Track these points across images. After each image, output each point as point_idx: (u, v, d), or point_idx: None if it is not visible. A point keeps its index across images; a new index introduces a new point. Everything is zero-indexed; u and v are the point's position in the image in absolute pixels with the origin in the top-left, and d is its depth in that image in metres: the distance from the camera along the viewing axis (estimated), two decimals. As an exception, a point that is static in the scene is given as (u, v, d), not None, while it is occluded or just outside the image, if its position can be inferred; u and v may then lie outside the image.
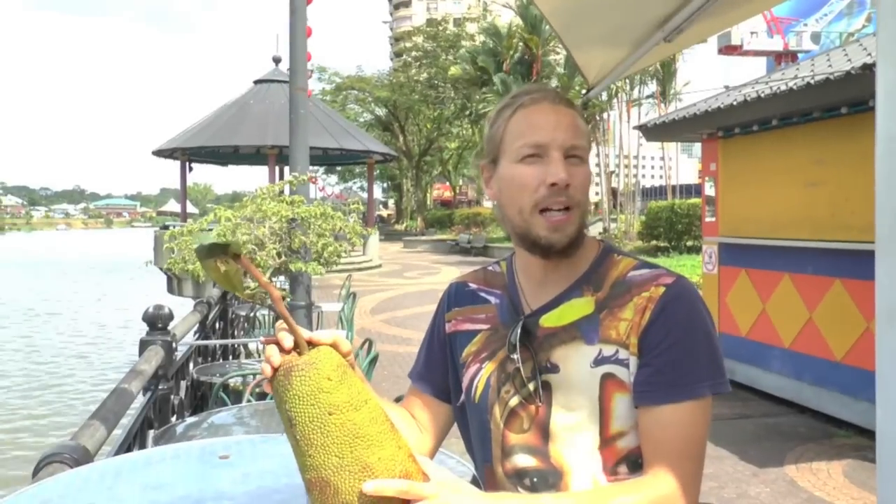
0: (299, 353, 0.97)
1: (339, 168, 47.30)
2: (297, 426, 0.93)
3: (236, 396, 4.10)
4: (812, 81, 5.67)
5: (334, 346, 1.02)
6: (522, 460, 1.23)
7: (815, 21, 34.39)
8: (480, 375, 1.31)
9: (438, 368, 1.41)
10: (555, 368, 1.22)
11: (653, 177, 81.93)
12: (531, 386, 1.23)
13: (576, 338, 1.21)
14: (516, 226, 1.23)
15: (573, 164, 1.20)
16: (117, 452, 2.53)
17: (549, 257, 1.23)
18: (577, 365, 1.20)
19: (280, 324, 1.02)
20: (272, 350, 0.98)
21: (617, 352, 1.17)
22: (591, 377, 1.18)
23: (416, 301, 14.52)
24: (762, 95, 6.27)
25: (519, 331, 1.25)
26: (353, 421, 0.93)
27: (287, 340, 0.98)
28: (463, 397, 1.35)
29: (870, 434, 5.23)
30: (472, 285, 1.41)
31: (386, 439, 0.94)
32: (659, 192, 43.75)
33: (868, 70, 5.02)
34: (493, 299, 1.36)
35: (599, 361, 1.18)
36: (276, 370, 0.96)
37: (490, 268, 1.43)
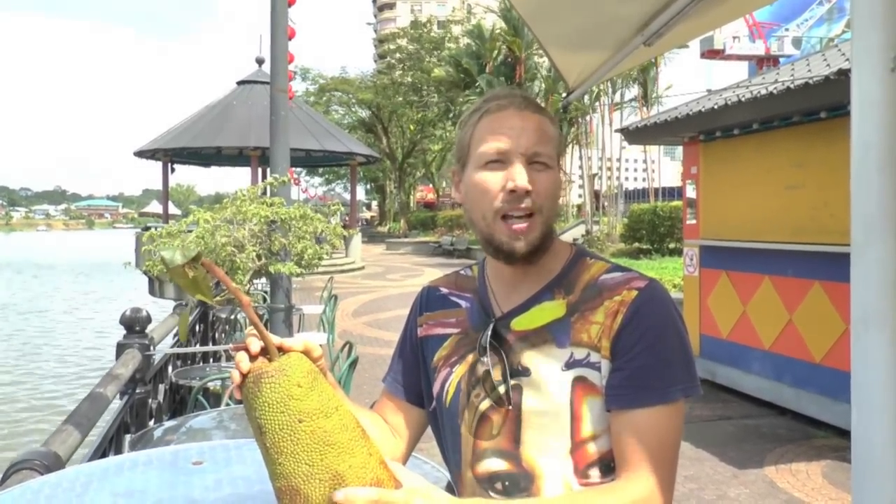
0: (269, 360, 0.96)
1: (320, 170, 47.17)
2: (267, 434, 0.92)
3: (216, 400, 4.07)
4: (792, 86, 5.72)
5: (305, 352, 1.01)
6: (494, 464, 1.23)
7: (797, 26, 34.82)
8: (451, 380, 1.30)
9: (411, 373, 1.40)
10: (526, 372, 1.21)
11: (635, 179, 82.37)
12: (501, 389, 1.22)
13: (547, 341, 1.20)
14: (481, 230, 1.23)
15: (537, 170, 1.19)
16: (92, 458, 2.50)
17: (513, 263, 1.23)
18: (548, 368, 1.19)
19: (250, 329, 1.01)
20: (241, 356, 0.97)
21: (588, 355, 1.17)
22: (562, 380, 1.18)
23: (399, 303, 14.49)
24: (742, 99, 6.31)
25: (489, 334, 1.25)
26: (323, 428, 0.91)
27: (256, 346, 0.97)
28: (434, 402, 1.34)
29: (848, 435, 5.24)
30: (444, 289, 1.41)
31: (357, 446, 0.93)
32: (641, 194, 44.02)
33: (845, 75, 5.07)
34: (463, 303, 1.36)
35: (570, 365, 1.18)
36: (245, 376, 0.95)
37: (462, 272, 1.43)
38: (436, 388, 1.33)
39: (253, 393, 0.93)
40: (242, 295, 0.96)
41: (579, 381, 1.17)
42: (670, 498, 1.13)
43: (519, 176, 1.17)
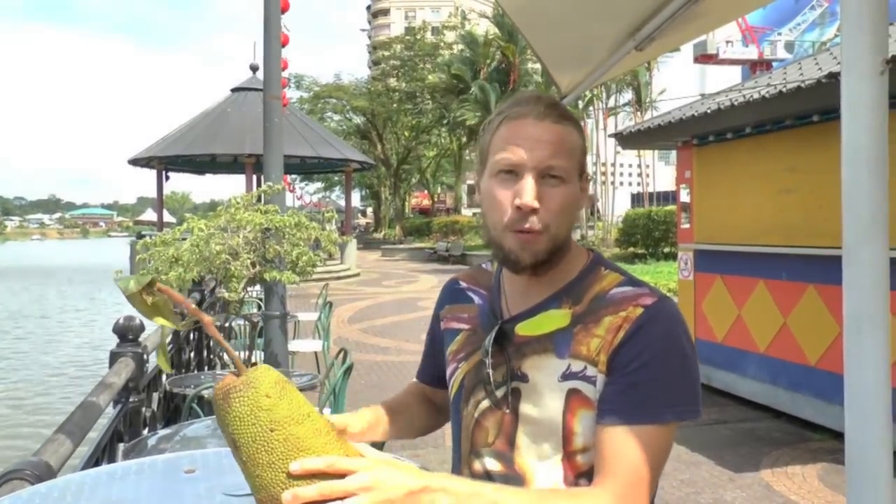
0: (237, 375, 0.95)
1: (315, 176, 47.15)
2: (242, 448, 0.91)
3: (210, 408, 4.05)
4: (784, 90, 5.74)
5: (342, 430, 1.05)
6: (489, 464, 1.24)
7: (789, 30, 35.01)
8: (456, 375, 1.32)
9: (433, 362, 1.47)
10: (525, 377, 1.21)
11: (630, 184, 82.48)
12: (501, 392, 1.23)
13: (548, 350, 1.20)
14: (492, 238, 1.23)
15: (549, 184, 1.16)
16: (85, 467, 2.48)
17: (519, 273, 1.22)
18: (545, 377, 1.19)
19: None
20: None
21: (585, 368, 1.16)
22: (557, 391, 1.17)
23: (394, 310, 14.48)
24: (735, 104, 6.32)
25: (493, 336, 1.25)
26: (296, 435, 0.91)
27: None
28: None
29: (843, 437, 5.23)
30: (463, 283, 1.43)
31: (333, 450, 0.93)
32: (636, 199, 44.12)
33: (835, 78, 5.08)
34: (477, 299, 1.37)
35: (567, 376, 1.17)
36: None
37: (484, 265, 1.44)
38: (447, 381, 1.37)
39: (224, 409, 0.92)
40: (203, 315, 0.96)
41: (574, 394, 1.16)
42: None
43: (526, 193, 1.14)
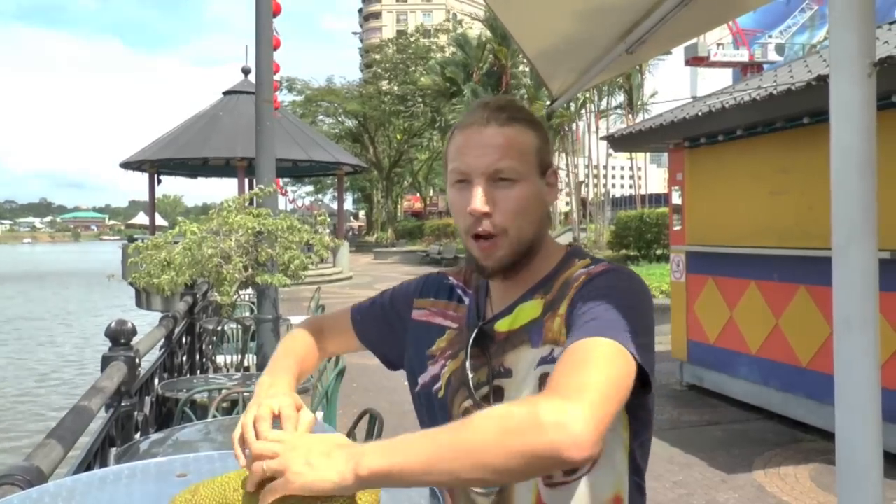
0: None
1: (306, 179, 47.08)
2: None
3: (203, 412, 4.04)
4: (774, 92, 5.76)
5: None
6: None
7: (780, 33, 35.18)
8: (443, 374, 1.33)
9: (376, 325, 1.49)
10: (508, 373, 1.22)
11: (622, 186, 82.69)
12: (483, 391, 1.24)
13: (524, 341, 1.21)
14: (463, 243, 1.26)
15: (501, 187, 1.18)
16: (77, 471, 2.47)
17: (488, 279, 1.26)
18: (524, 369, 1.20)
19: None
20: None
21: (552, 351, 1.16)
22: (533, 379, 1.18)
23: (388, 312, 14.42)
24: (726, 106, 6.35)
25: (473, 337, 1.27)
26: None
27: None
28: (420, 388, 1.36)
29: (835, 438, 5.23)
30: (453, 280, 1.43)
31: None
32: (628, 201, 44.24)
33: (825, 81, 5.11)
34: (466, 299, 1.38)
35: (540, 363, 1.18)
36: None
37: None
38: (425, 377, 1.35)
39: None
40: None
41: (545, 378, 1.15)
42: (597, 437, 0.90)
43: (475, 199, 1.17)
